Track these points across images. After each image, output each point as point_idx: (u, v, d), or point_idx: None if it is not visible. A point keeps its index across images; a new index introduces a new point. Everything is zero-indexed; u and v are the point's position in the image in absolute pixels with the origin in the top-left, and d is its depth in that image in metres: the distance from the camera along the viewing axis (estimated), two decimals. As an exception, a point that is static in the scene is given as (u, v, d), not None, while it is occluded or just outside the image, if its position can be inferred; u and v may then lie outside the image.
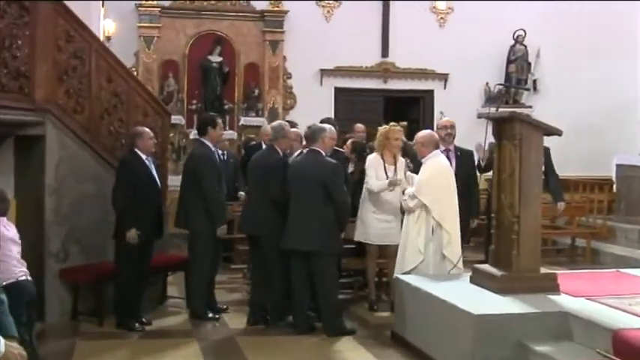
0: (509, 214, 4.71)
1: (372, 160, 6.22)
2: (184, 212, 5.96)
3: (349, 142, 7.21)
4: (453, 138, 6.52)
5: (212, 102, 11.02)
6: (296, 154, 6.06)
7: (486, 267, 4.97)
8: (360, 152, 6.82)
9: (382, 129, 6.29)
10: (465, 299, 4.46)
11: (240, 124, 11.20)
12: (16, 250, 4.19)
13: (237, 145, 11.04)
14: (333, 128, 5.98)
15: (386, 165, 6.16)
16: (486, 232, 6.47)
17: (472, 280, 4.99)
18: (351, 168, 6.68)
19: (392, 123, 6.41)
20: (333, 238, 5.44)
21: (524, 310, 4.28)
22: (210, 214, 5.79)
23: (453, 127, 6.56)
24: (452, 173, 5.69)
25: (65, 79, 5.91)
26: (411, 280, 5.20)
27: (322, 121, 6.35)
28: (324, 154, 5.53)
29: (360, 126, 8.52)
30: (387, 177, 6.07)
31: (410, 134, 7.59)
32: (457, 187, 5.67)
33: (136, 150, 5.74)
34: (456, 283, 5.07)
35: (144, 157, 5.76)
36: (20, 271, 4.17)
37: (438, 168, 5.59)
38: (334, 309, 5.54)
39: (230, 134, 10.81)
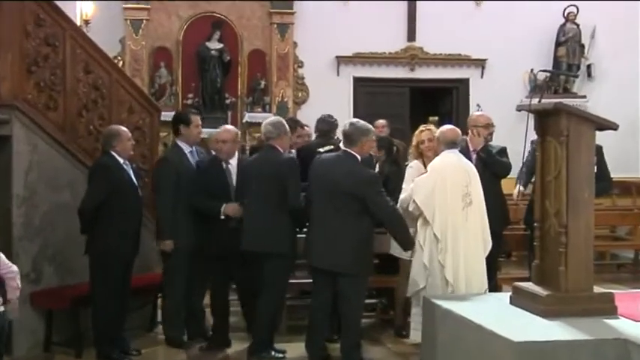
0: (555, 223, 4.61)
1: (412, 168, 6.06)
2: (155, 226, 6.09)
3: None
4: (492, 137, 6.44)
5: (211, 96, 11.09)
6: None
7: (529, 285, 4.86)
8: (389, 147, 6.76)
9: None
10: (504, 324, 4.36)
11: (244, 121, 11.19)
12: None
13: (242, 146, 11.01)
14: (284, 122, 5.90)
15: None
16: (529, 245, 6.36)
17: (513, 301, 4.89)
18: (377, 168, 6.62)
19: (421, 126, 6.34)
20: (367, 257, 5.38)
21: (575, 336, 4.17)
22: (181, 229, 5.83)
23: (493, 125, 6.45)
24: (468, 174, 5.57)
25: (35, 70, 5.87)
26: (441, 301, 5.11)
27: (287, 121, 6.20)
28: (359, 158, 5.41)
29: (381, 122, 8.53)
30: None
31: None
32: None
33: (112, 152, 5.71)
34: (493, 305, 4.97)
35: (121, 160, 5.74)
36: None
37: (440, 165, 5.56)
38: (358, 341, 5.50)
39: None
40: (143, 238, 5.97)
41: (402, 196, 5.88)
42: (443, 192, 5.46)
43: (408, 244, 5.51)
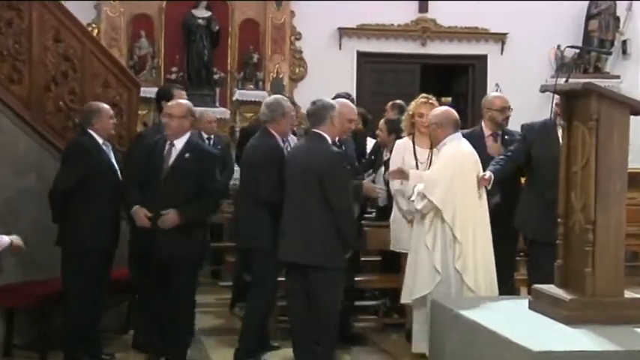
0: (581, 219, 4.59)
1: (399, 146, 6.22)
2: None
3: (382, 122, 7.20)
4: (507, 121, 6.41)
5: (197, 70, 11.06)
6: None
7: (551, 288, 4.84)
8: (400, 132, 6.75)
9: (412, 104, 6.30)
10: (523, 331, 4.34)
11: (234, 98, 11.21)
12: None
13: (231, 127, 11.03)
14: (351, 105, 5.88)
15: (417, 150, 6.11)
16: (529, 252, 6.33)
17: (532, 306, 4.87)
18: (387, 155, 6.69)
19: (422, 95, 6.33)
20: (339, 249, 5.35)
21: (602, 346, 4.16)
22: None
23: (509, 108, 6.41)
24: (478, 164, 5.59)
25: None
26: (452, 304, 5.09)
27: (336, 97, 6.28)
28: (329, 140, 5.41)
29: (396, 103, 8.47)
30: (418, 166, 6.02)
31: (457, 111, 7.50)
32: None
33: (91, 131, 5.69)
34: (510, 309, 4.97)
35: (100, 140, 5.71)
36: None
37: (457, 156, 5.51)
38: (333, 347, 5.52)
39: (221, 112, 10.84)
40: (123, 229, 5.93)
41: (395, 184, 5.94)
42: (463, 189, 5.45)
43: (352, 242, 5.45)
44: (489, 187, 5.60)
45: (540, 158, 5.79)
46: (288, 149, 5.74)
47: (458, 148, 5.54)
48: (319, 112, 5.42)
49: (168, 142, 5.55)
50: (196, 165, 5.46)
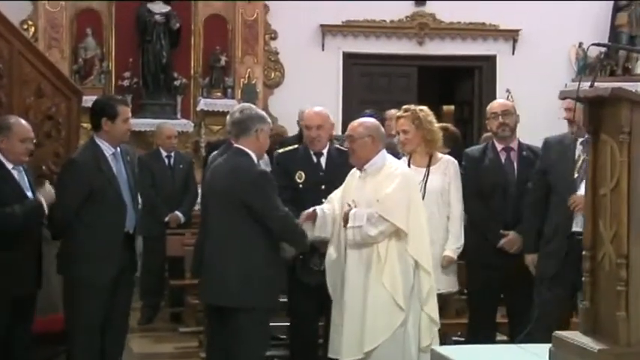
0: (612, 252, 4.49)
1: None
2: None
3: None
4: (511, 131, 6.33)
5: (155, 75, 11.04)
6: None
7: (575, 335, 4.73)
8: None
9: None
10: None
11: (198, 108, 11.23)
12: None
13: (194, 142, 10.97)
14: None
15: (411, 168, 6.05)
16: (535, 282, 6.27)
17: (553, 357, 4.74)
18: None
19: (404, 107, 6.32)
20: (263, 286, 5.36)
21: (638, 408, 4.03)
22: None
23: (507, 113, 6.34)
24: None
25: None
26: (451, 353, 4.96)
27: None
28: (253, 156, 5.42)
29: (393, 112, 8.44)
30: None
31: (461, 122, 7.46)
32: (518, 203, 5.88)
33: None
34: (525, 359, 4.84)
35: (9, 165, 5.54)
36: None
37: (408, 176, 5.55)
38: None
39: (183, 125, 10.81)
40: (47, 269, 5.81)
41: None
42: (418, 212, 5.53)
43: (302, 246, 5.63)
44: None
45: (559, 185, 5.79)
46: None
47: (402, 165, 5.66)
48: (245, 123, 5.47)
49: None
50: None
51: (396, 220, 5.36)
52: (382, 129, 5.62)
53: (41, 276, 5.78)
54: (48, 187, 5.64)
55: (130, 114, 5.94)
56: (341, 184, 5.78)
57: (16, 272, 5.49)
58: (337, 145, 6.38)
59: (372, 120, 5.69)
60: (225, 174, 5.43)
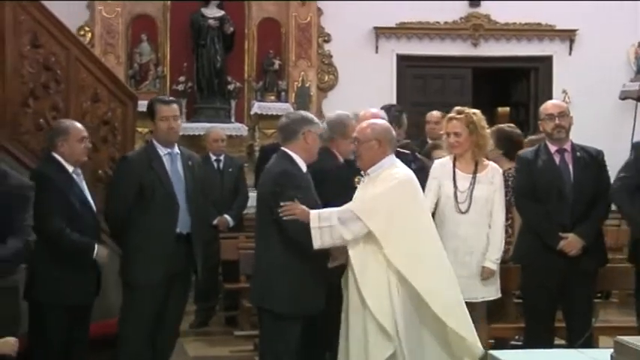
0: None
1: (437, 168, 6.08)
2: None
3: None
4: (567, 132, 6.21)
5: (209, 79, 11.06)
6: None
7: (637, 340, 4.60)
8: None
9: None
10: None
11: (252, 112, 11.21)
12: None
13: (248, 145, 10.97)
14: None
15: (457, 174, 5.98)
16: (636, 282, 6.13)
17: (615, 363, 4.63)
18: None
19: (457, 109, 6.14)
20: (286, 287, 5.22)
21: None
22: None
23: (563, 114, 6.23)
24: (419, 190, 5.33)
25: None
26: (509, 358, 4.85)
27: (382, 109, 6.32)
28: (298, 159, 5.30)
29: (436, 115, 8.46)
30: (457, 196, 5.91)
31: (516, 124, 7.37)
32: (575, 205, 5.75)
33: (56, 156, 5.55)
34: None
35: (69, 168, 5.57)
36: None
37: (404, 180, 5.16)
38: None
39: (236, 129, 10.82)
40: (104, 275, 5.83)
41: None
42: (417, 216, 5.23)
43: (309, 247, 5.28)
44: None
45: None
46: None
47: (405, 172, 5.22)
48: (290, 127, 5.39)
49: None
50: None
51: (370, 222, 5.00)
52: (392, 132, 5.32)
53: (100, 282, 5.80)
54: (103, 252, 5.62)
55: (171, 112, 5.84)
56: None
57: (75, 279, 5.51)
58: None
59: (381, 122, 5.40)
60: (262, 177, 5.44)
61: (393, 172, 5.16)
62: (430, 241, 5.17)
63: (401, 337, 4.97)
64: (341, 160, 5.77)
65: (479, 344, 5.08)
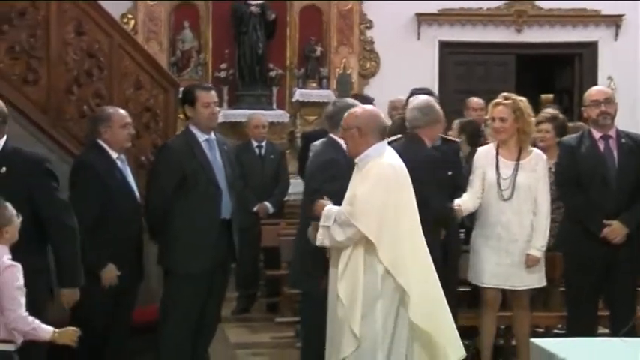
0: None
1: (480, 157, 6.14)
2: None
3: (456, 123, 7.21)
4: (612, 119, 6.15)
5: (251, 66, 11.06)
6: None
7: None
8: (474, 136, 6.78)
9: None
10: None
11: (293, 99, 11.25)
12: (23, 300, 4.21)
13: (290, 132, 11.04)
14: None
15: (500, 162, 5.99)
16: None
17: (658, 352, 4.58)
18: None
19: (504, 94, 6.18)
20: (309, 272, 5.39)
21: None
22: None
23: (609, 101, 6.17)
24: (408, 179, 5.02)
25: (7, 30, 5.91)
26: (552, 346, 4.84)
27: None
28: (345, 146, 5.16)
29: (476, 101, 8.47)
30: (500, 183, 5.94)
31: (560, 110, 7.33)
32: (619, 192, 5.72)
33: (100, 143, 5.61)
34: (630, 357, 4.68)
35: (113, 155, 5.62)
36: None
37: (387, 175, 4.91)
38: None
39: (278, 115, 10.87)
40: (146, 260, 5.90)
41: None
42: (397, 219, 4.94)
43: None
44: None
45: None
46: None
47: (388, 165, 4.96)
48: (337, 115, 5.41)
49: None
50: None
51: (363, 226, 4.82)
52: (380, 120, 5.07)
53: (142, 267, 5.85)
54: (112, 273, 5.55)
55: (212, 99, 5.90)
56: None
57: (119, 263, 5.54)
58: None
59: (367, 110, 5.14)
60: (309, 165, 5.52)
61: (377, 163, 4.92)
62: (413, 239, 4.95)
63: (385, 338, 4.82)
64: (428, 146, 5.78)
65: (459, 345, 4.93)
